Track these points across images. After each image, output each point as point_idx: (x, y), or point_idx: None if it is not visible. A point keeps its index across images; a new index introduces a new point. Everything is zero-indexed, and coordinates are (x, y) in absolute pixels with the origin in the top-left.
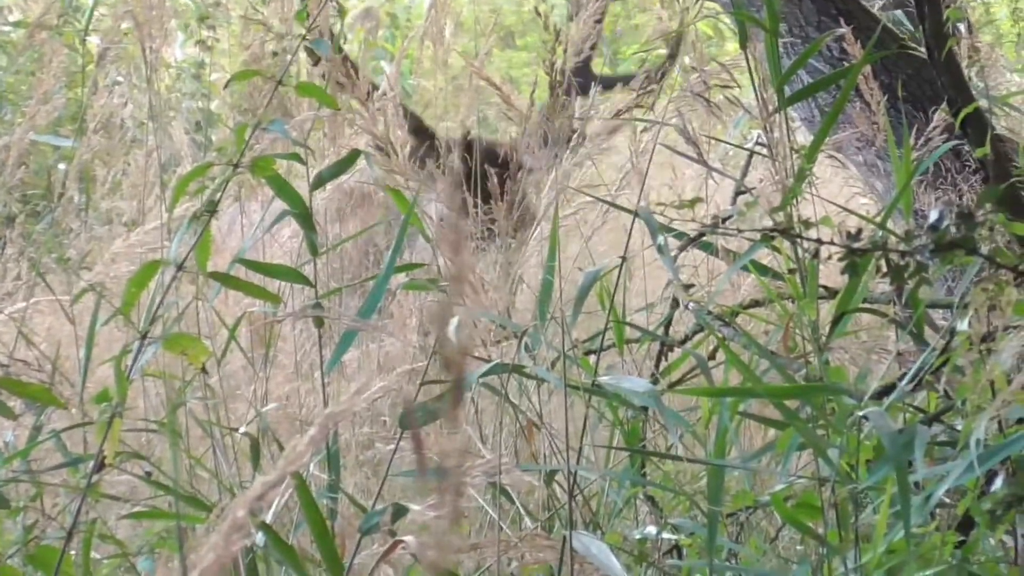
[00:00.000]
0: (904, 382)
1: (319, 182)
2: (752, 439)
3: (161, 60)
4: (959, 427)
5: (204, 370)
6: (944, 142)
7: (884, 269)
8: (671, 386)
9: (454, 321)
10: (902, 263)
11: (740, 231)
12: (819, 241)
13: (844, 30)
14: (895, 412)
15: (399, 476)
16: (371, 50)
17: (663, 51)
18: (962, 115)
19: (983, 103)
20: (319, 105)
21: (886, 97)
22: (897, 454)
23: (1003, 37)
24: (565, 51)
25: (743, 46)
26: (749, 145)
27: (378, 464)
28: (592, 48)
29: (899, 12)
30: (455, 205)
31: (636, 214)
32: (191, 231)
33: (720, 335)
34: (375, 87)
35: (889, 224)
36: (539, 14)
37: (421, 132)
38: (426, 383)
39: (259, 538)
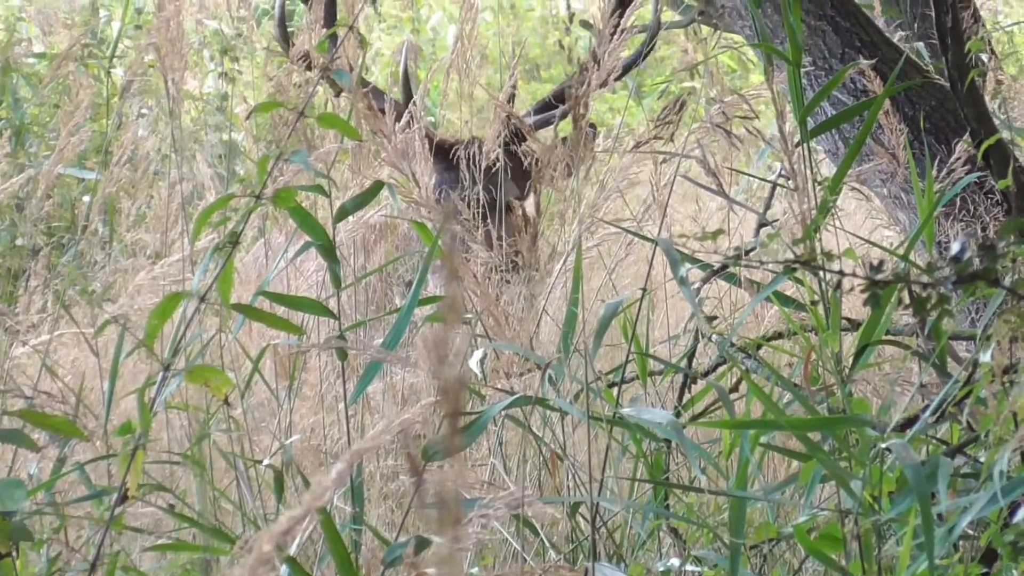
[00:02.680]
0: (927, 414)
1: (342, 214)
2: (775, 471)
3: (184, 92)
4: (982, 459)
5: (227, 402)
6: (967, 174)
7: (907, 301)
8: (694, 418)
9: (478, 353)
10: (924, 295)
11: (763, 263)
12: (842, 273)
13: (868, 62)
14: (918, 444)
15: (422, 508)
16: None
17: (689, 83)
18: (984, 146)
19: (1006, 134)
20: (342, 137)
21: (909, 129)
22: (920, 486)
23: None
24: (589, 83)
25: (768, 77)
26: (772, 177)
27: (402, 496)
28: (616, 79)
29: (921, 44)
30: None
31: (657, 244)
32: (214, 263)
33: (743, 367)
34: (400, 114)
35: (912, 256)
36: (563, 47)
37: (441, 152)
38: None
39: (284, 571)
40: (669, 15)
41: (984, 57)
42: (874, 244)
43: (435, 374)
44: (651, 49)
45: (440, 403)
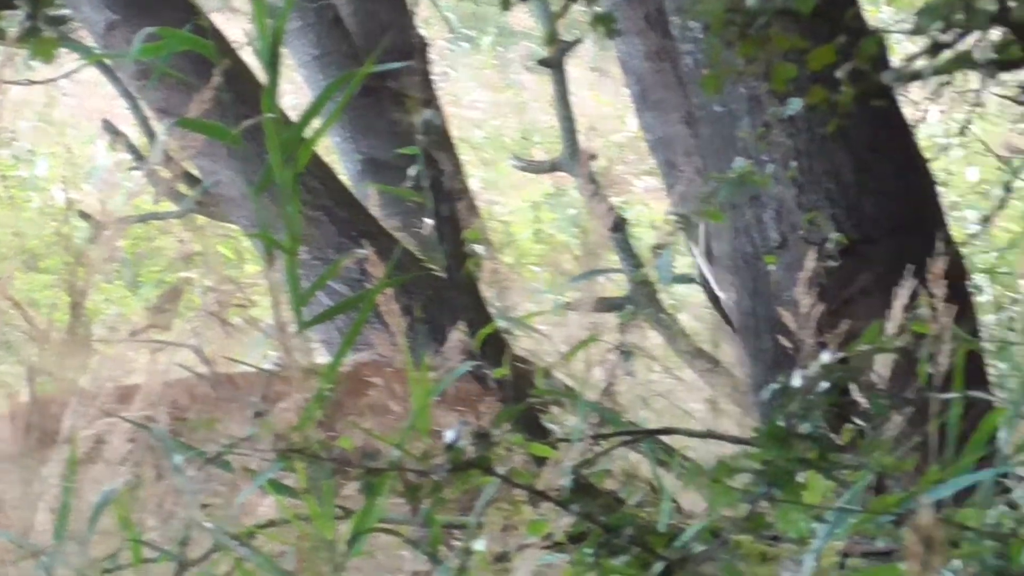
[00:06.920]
0: None
1: None
2: None
3: None
4: None
5: None
6: (462, 363)
7: (401, 489)
8: None
9: None
10: (418, 482)
11: (257, 450)
12: (336, 461)
13: (364, 252)
14: None
15: None
16: None
17: (185, 274)
18: (481, 336)
19: (502, 323)
20: None
21: (406, 319)
22: None
23: (524, 257)
24: (86, 273)
25: (266, 266)
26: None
27: None
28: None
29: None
30: None
31: (150, 431)
32: None
33: (236, 555)
34: None
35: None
36: (61, 236)
37: None
38: None
39: None
40: (166, 205)
41: (480, 247)
42: (369, 432)
43: None
44: None
45: None
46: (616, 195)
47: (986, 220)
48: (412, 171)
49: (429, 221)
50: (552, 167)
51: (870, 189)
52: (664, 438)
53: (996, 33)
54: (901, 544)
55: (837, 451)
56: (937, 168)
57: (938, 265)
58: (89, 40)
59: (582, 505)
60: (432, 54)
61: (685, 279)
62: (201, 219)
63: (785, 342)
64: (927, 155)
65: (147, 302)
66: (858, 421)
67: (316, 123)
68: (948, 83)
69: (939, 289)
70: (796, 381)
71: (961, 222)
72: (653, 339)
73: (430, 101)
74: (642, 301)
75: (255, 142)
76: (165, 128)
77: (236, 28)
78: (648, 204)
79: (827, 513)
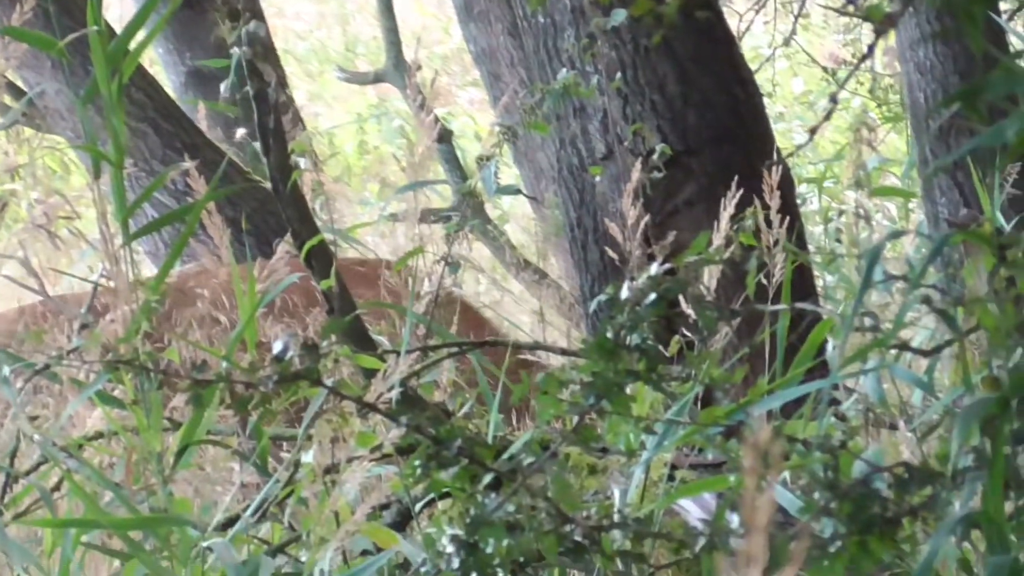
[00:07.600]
0: (248, 513)
1: None
2: (97, 570)
3: None
4: (304, 559)
5: None
6: (288, 275)
7: (229, 400)
8: (16, 517)
9: None
10: (246, 394)
11: (85, 362)
12: (164, 372)
13: (189, 164)
14: (239, 543)
15: None
16: None
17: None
18: (307, 247)
19: (328, 235)
20: None
21: (231, 231)
22: None
23: (350, 169)
24: None
25: (93, 179)
26: (94, 277)
27: None
28: None
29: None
30: None
31: None
32: None
33: (64, 467)
34: None
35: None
36: None
37: None
38: None
39: None
40: None
41: (305, 159)
42: (195, 343)
43: None
44: None
45: None
46: (441, 107)
47: (812, 131)
48: (224, 85)
49: (242, 131)
50: (376, 78)
51: (694, 100)
52: (492, 350)
53: None
54: (730, 456)
55: (666, 363)
56: (762, 79)
57: (768, 176)
58: None
59: (410, 417)
60: None
61: (510, 190)
62: (27, 131)
63: (612, 253)
64: (752, 66)
65: None
66: (687, 333)
67: (141, 35)
68: None
69: (771, 200)
70: (624, 293)
71: (787, 133)
72: (480, 251)
73: (254, 12)
74: (468, 212)
75: (80, 54)
76: None
77: None
78: (473, 116)
79: (656, 425)
